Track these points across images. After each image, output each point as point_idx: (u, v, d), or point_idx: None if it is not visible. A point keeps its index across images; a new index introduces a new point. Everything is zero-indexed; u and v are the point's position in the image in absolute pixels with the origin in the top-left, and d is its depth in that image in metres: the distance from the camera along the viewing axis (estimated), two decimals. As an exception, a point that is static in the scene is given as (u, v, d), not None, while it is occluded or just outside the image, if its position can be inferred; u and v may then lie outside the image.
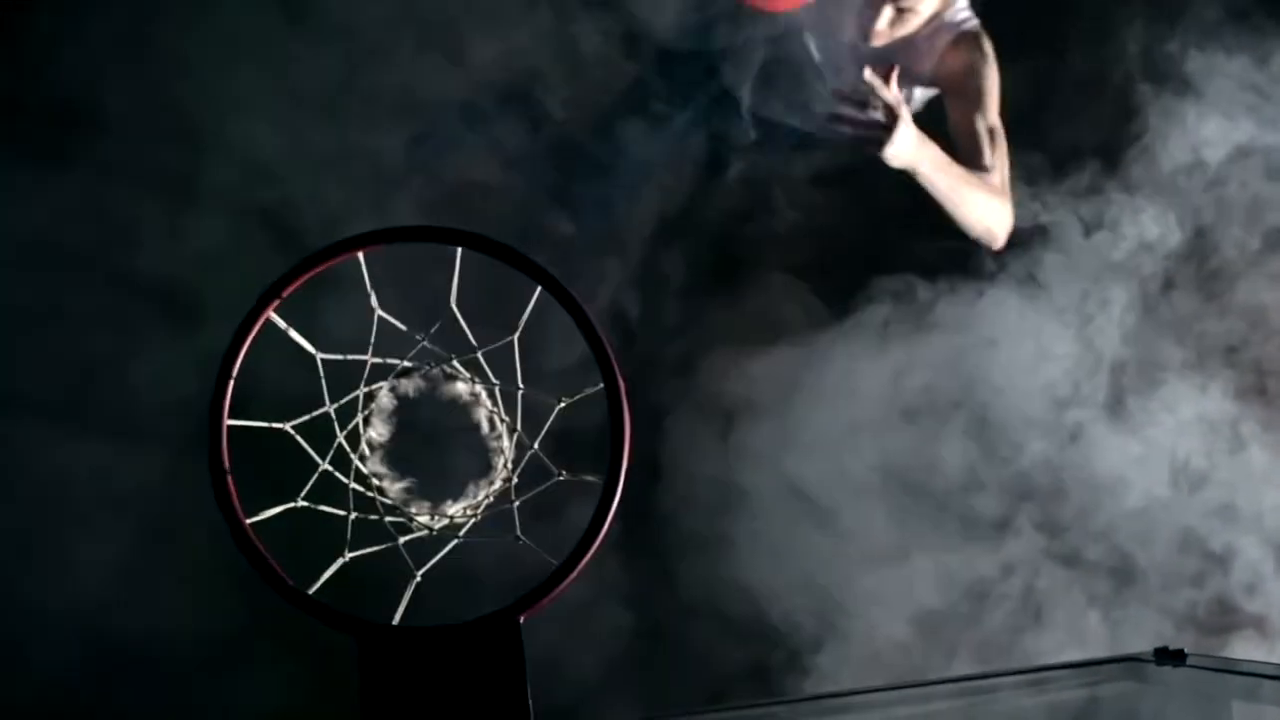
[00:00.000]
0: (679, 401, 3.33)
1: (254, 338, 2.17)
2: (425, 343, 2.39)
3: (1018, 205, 3.27)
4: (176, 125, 3.27)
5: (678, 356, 3.39)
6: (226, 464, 2.12)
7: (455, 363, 2.40)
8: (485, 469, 2.44)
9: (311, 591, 2.14)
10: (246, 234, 3.27)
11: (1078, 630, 3.16)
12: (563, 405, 2.33)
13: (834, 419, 3.20)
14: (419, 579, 2.22)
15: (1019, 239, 3.29)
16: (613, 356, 2.14)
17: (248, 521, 2.13)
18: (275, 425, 2.27)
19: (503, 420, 2.39)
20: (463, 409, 2.52)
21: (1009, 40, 3.32)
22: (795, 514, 3.18)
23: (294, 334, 2.25)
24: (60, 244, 3.25)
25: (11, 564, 3.16)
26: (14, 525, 3.19)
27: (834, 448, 3.19)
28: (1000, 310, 3.28)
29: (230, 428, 2.15)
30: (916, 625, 3.16)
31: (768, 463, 3.19)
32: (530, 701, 2.08)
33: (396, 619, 2.15)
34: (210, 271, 3.24)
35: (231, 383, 2.14)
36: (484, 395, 2.41)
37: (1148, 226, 3.29)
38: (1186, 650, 2.65)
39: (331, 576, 2.17)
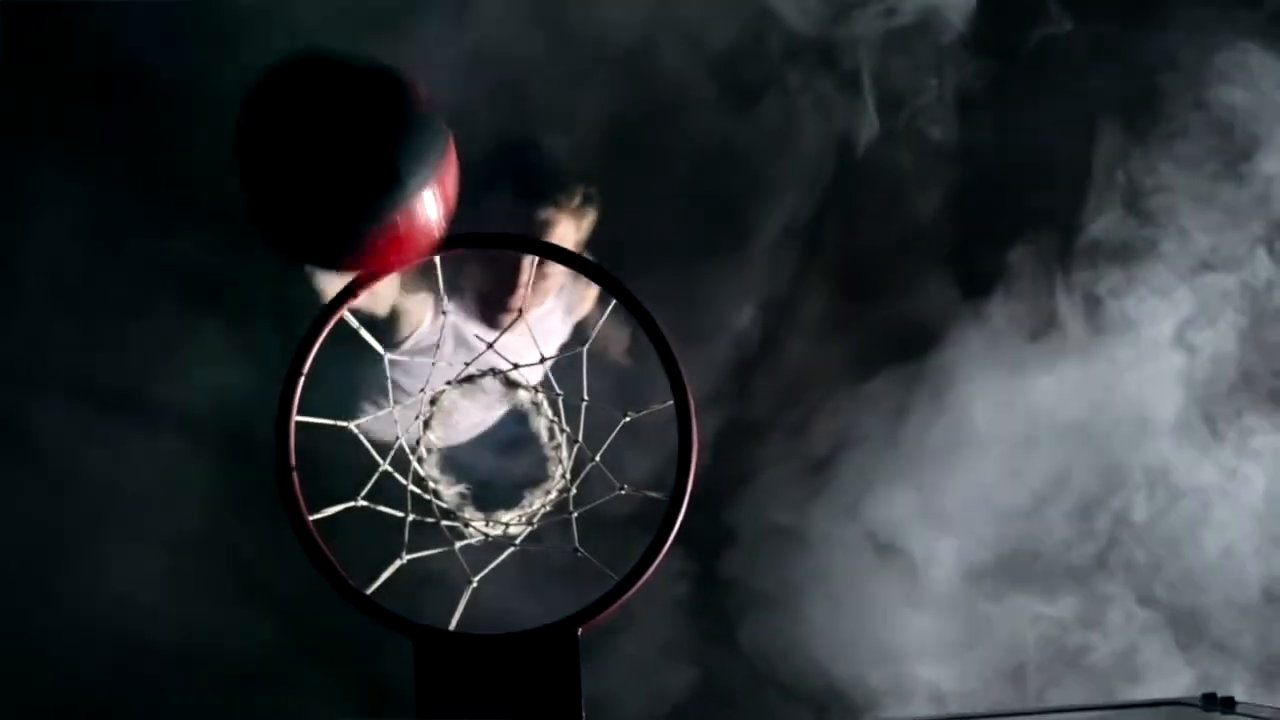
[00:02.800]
0: (768, 453, 3.30)
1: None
2: (492, 349, 2.40)
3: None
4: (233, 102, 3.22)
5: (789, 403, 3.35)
6: (293, 460, 2.13)
7: (520, 371, 2.41)
8: (542, 478, 2.44)
9: (369, 592, 2.14)
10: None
11: (1162, 682, 3.10)
12: (628, 419, 2.32)
13: (924, 455, 3.17)
14: (475, 584, 2.22)
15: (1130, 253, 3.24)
16: (683, 371, 2.13)
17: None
18: (340, 424, 2.29)
19: (563, 430, 2.39)
20: (522, 417, 2.52)
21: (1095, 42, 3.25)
22: (870, 563, 3.15)
23: (365, 333, 2.26)
24: (110, 224, 3.21)
25: (45, 563, 3.14)
26: (48, 524, 3.14)
27: (921, 489, 3.16)
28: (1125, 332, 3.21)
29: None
30: (986, 679, 3.12)
31: (847, 508, 3.15)
32: (584, 713, 2.08)
33: (452, 624, 2.15)
34: (264, 260, 3.20)
35: (302, 380, 2.15)
36: (545, 404, 2.41)
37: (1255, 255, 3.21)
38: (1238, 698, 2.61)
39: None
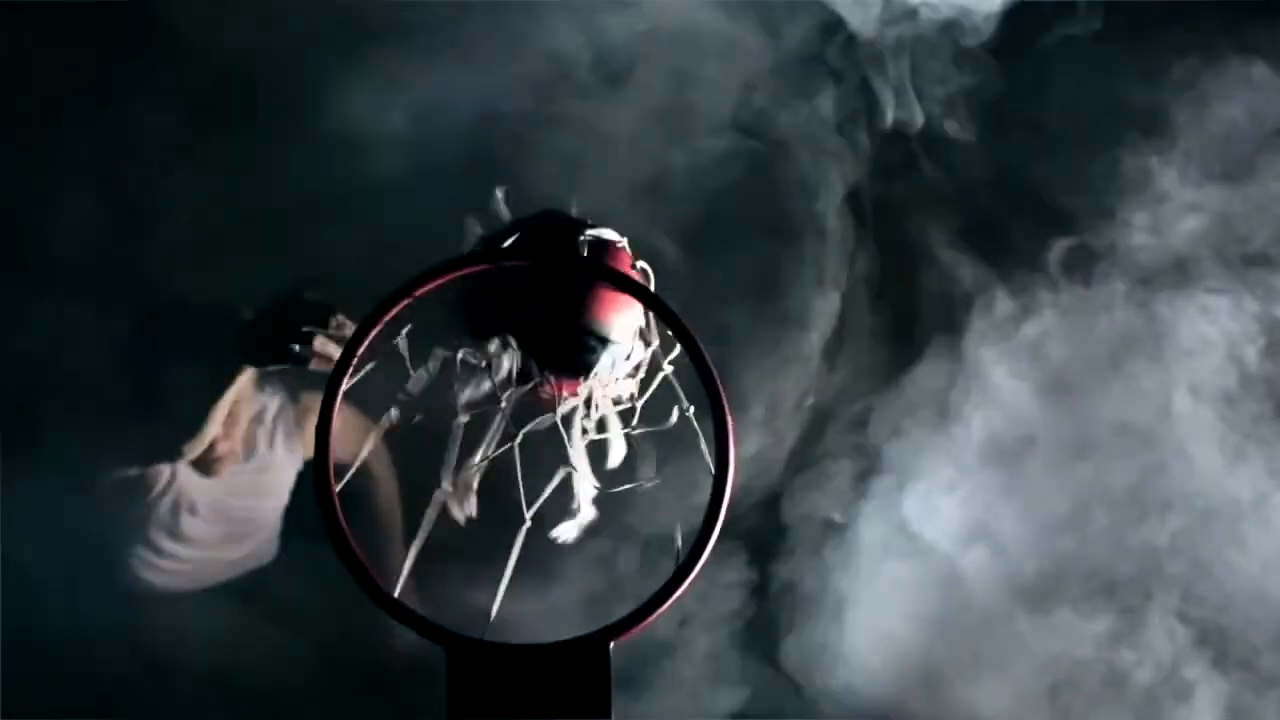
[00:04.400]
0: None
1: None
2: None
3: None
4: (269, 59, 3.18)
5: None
6: (330, 459, 2.12)
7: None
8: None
9: (396, 594, 2.13)
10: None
11: (1199, 704, 3.09)
12: (636, 397, 2.25)
13: (965, 449, 3.16)
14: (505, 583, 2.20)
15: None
16: (723, 391, 2.12)
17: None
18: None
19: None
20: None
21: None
22: (912, 573, 3.15)
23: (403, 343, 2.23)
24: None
25: (71, 573, 3.15)
26: (74, 532, 3.16)
27: (960, 491, 3.15)
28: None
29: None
30: (1024, 700, 3.11)
31: (889, 518, 3.15)
32: (613, 729, 2.08)
33: (492, 613, 2.14)
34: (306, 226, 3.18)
35: (344, 386, 2.13)
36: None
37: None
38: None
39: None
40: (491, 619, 2.14)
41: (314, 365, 2.65)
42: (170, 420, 2.99)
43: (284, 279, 2.79)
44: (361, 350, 2.13)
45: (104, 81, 3.20)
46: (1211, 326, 3.19)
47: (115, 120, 3.17)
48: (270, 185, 3.17)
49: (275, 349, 2.67)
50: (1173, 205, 3.23)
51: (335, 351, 2.57)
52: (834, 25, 3.22)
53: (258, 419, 3.21)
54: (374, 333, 2.14)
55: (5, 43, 3.20)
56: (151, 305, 3.10)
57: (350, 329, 2.50)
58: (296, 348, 2.64)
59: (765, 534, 3.23)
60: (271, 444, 3.23)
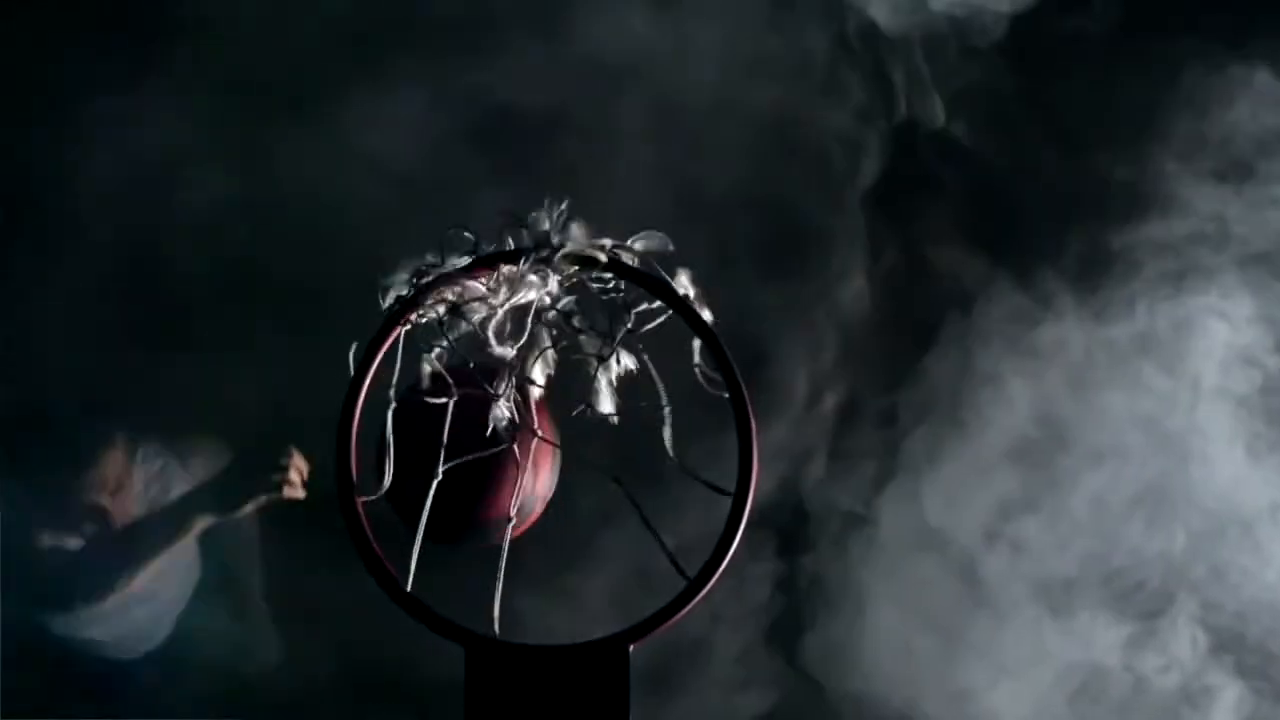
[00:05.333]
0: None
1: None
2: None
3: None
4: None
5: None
6: (354, 465, 2.12)
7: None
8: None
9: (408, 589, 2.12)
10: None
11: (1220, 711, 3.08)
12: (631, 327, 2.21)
13: (987, 449, 3.15)
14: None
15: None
16: (747, 397, 2.11)
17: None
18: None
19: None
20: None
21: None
22: (933, 570, 3.14)
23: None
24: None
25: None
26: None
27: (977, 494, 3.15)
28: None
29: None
30: (1043, 706, 3.10)
31: (912, 510, 3.14)
32: (631, 732, 2.07)
33: (495, 602, 2.13)
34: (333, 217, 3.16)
35: (367, 384, 2.13)
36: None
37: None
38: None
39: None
40: (497, 617, 2.13)
41: (287, 492, 2.87)
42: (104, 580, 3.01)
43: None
44: (384, 348, 2.13)
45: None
46: (1229, 330, 3.18)
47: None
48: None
49: (249, 490, 2.89)
50: (1186, 207, 3.22)
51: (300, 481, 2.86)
52: (857, 22, 3.22)
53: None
54: (394, 334, 2.14)
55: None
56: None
57: (300, 462, 2.86)
58: (275, 477, 2.86)
59: (793, 526, 3.23)
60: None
